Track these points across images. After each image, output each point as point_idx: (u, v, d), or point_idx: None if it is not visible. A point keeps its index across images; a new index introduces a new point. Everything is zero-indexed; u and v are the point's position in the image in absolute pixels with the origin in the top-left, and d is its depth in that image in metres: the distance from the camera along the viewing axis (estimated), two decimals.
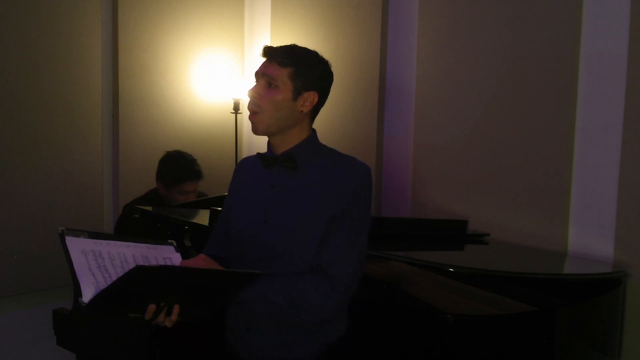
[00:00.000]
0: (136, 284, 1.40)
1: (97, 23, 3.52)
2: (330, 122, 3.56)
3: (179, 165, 2.99)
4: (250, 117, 1.62)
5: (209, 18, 3.97)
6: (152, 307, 1.46)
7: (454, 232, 2.96)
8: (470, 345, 1.97)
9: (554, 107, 2.71)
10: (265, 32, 4.10)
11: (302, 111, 1.62)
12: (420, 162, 3.26)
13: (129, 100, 3.63)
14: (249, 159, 1.83)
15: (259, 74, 1.63)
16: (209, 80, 3.99)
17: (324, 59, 1.68)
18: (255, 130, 1.62)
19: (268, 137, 1.67)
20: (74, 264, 1.46)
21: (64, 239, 1.46)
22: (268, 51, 1.64)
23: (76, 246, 1.46)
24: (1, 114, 3.21)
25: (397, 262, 2.57)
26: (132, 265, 1.47)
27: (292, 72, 1.60)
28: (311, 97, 1.63)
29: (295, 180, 1.64)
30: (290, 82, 1.60)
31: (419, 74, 3.26)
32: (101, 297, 1.42)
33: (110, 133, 3.63)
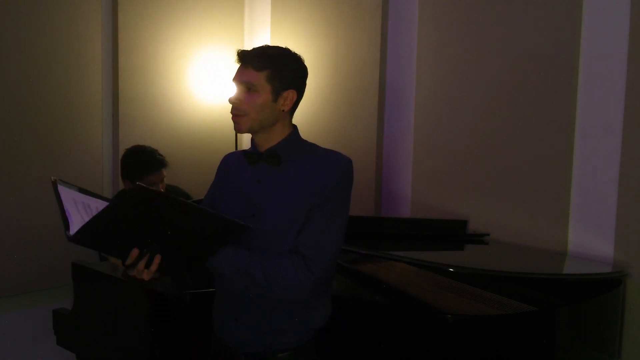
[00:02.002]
0: (130, 212, 1.43)
1: (97, 23, 3.52)
2: (331, 122, 3.57)
3: (139, 159, 2.93)
4: (233, 118, 1.69)
5: (209, 18, 3.97)
6: (135, 252, 1.51)
7: (454, 232, 2.96)
8: (470, 345, 1.97)
9: (554, 107, 2.71)
10: (265, 32, 4.10)
11: (283, 110, 1.69)
12: (420, 162, 3.26)
13: (129, 100, 3.63)
14: (233, 154, 1.89)
15: (236, 81, 1.69)
16: (209, 80, 3.99)
17: (296, 55, 1.72)
18: (239, 130, 1.69)
19: (251, 134, 1.73)
20: (64, 205, 1.50)
21: (57, 187, 1.51)
22: (242, 56, 1.68)
23: (68, 195, 1.51)
24: (1, 114, 3.21)
25: (397, 262, 2.57)
26: None
27: (269, 74, 1.65)
28: (290, 95, 1.69)
29: (279, 175, 1.71)
30: (268, 84, 1.65)
31: (419, 74, 3.26)
32: (89, 227, 1.44)
33: (110, 133, 3.63)
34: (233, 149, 4.01)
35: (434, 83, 3.19)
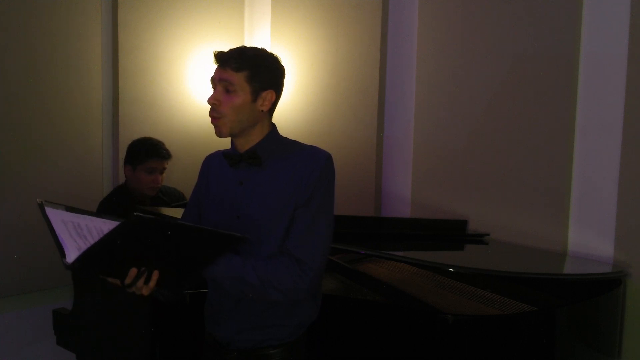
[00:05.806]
0: (128, 238, 1.42)
1: (97, 23, 3.52)
2: (331, 122, 3.56)
3: (146, 144, 3.04)
4: (212, 122, 1.71)
5: (209, 18, 3.97)
6: (133, 271, 1.51)
7: (453, 232, 2.96)
8: (470, 345, 1.97)
9: (554, 107, 2.71)
10: (265, 32, 4.10)
11: (262, 110, 1.71)
12: (420, 162, 3.26)
13: (129, 100, 3.63)
14: (214, 156, 1.90)
15: (215, 81, 1.72)
16: (209, 80, 3.99)
17: (273, 55, 1.74)
18: (219, 134, 1.71)
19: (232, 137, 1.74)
20: (56, 230, 1.50)
21: (44, 210, 1.50)
22: (220, 57, 1.70)
23: (56, 216, 1.50)
24: (1, 114, 3.21)
25: (397, 262, 2.57)
26: None
27: (248, 75, 1.67)
28: (269, 95, 1.71)
29: (260, 175, 1.72)
30: (247, 85, 1.68)
31: (419, 74, 3.26)
32: (87, 255, 1.44)
33: (110, 133, 3.63)
34: None
35: (434, 83, 3.19)
